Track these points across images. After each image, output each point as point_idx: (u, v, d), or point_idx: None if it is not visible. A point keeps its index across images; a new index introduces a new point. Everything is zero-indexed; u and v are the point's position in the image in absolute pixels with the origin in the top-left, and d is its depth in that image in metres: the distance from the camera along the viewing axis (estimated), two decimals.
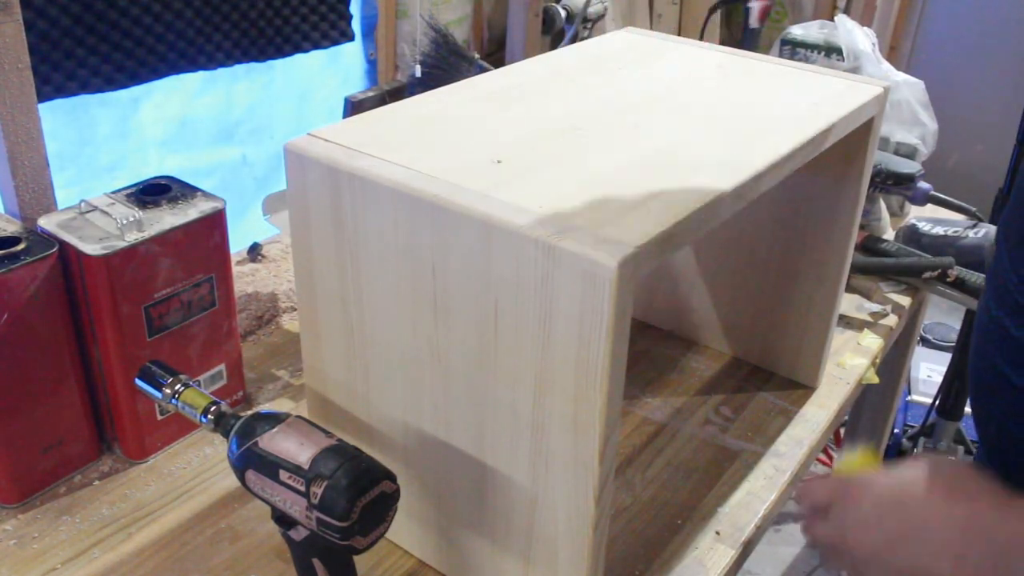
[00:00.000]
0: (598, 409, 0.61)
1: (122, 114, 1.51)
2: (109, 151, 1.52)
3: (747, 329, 1.12)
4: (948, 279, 1.23)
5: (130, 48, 1.39)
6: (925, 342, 2.40)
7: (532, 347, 0.63)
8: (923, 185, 1.36)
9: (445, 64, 1.58)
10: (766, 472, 0.96)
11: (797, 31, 1.59)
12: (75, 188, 1.45)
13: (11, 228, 0.86)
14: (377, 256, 0.70)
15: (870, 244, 1.29)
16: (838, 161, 0.96)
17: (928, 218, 1.38)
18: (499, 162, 0.69)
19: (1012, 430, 0.67)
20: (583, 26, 2.12)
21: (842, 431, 1.90)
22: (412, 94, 0.86)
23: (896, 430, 2.05)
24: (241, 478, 0.66)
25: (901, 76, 1.49)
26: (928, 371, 2.26)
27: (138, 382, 0.74)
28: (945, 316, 2.60)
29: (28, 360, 0.83)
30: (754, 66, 0.95)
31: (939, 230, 1.35)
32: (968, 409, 2.08)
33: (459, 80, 0.88)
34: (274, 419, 0.66)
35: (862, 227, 1.35)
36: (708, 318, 1.15)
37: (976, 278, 1.22)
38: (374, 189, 0.67)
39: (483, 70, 1.54)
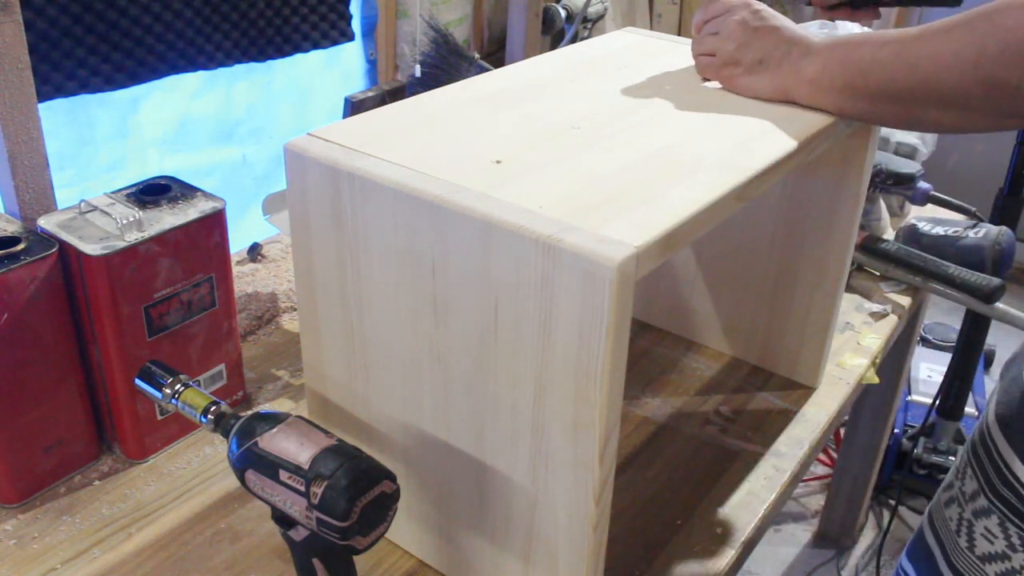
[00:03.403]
0: (598, 409, 0.61)
1: (122, 114, 1.51)
2: (109, 151, 1.52)
3: (747, 329, 1.12)
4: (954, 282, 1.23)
5: (130, 48, 1.39)
6: (925, 342, 2.40)
7: (532, 347, 0.63)
8: (923, 185, 1.36)
9: (445, 64, 1.58)
10: (766, 472, 0.96)
11: None
12: (75, 188, 1.44)
13: (11, 228, 0.86)
14: (377, 256, 0.70)
15: (870, 244, 1.30)
16: (838, 161, 0.96)
17: (928, 218, 1.38)
18: (499, 162, 0.69)
19: None
20: (583, 26, 2.12)
21: (842, 431, 1.90)
22: (412, 94, 0.86)
23: (896, 430, 2.05)
24: (241, 478, 0.66)
25: None
26: (928, 371, 2.26)
27: (138, 382, 0.74)
28: (945, 316, 2.60)
29: (28, 360, 0.83)
30: None
31: (939, 230, 1.35)
32: (968, 409, 2.08)
33: (459, 80, 0.88)
34: (274, 419, 0.66)
35: (862, 227, 1.35)
36: (708, 318, 1.15)
37: (976, 278, 1.22)
38: (374, 189, 0.67)
39: (483, 70, 1.54)
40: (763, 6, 0.87)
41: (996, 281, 1.20)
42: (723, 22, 0.88)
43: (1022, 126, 0.74)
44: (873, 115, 0.82)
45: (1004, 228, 1.34)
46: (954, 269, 1.23)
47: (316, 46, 1.71)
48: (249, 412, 0.68)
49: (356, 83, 1.92)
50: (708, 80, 0.90)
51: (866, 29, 1.36)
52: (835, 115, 0.82)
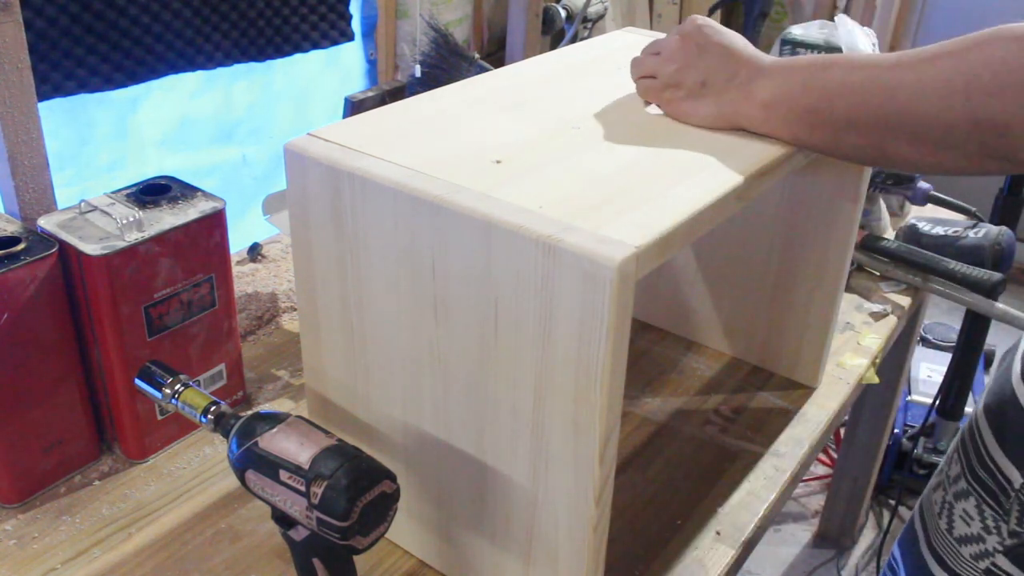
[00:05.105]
0: (598, 409, 0.61)
1: (121, 114, 1.51)
2: (108, 151, 1.52)
3: (747, 329, 1.12)
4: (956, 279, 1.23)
5: (129, 47, 1.39)
6: (925, 342, 2.40)
7: (532, 347, 0.63)
8: (923, 185, 1.36)
9: (445, 64, 1.58)
10: (766, 472, 0.96)
11: (797, 31, 1.59)
12: (75, 188, 1.44)
13: (11, 228, 0.86)
14: (377, 256, 0.70)
15: (870, 244, 1.30)
16: (838, 161, 0.95)
17: (928, 218, 1.38)
18: (499, 162, 0.69)
19: None
20: (583, 26, 2.12)
21: (842, 431, 1.90)
22: (412, 94, 0.86)
23: (896, 430, 2.05)
24: (241, 478, 0.66)
25: None
26: (928, 371, 2.26)
27: (138, 382, 0.74)
28: (945, 316, 2.60)
29: (28, 360, 0.83)
30: None
31: (939, 230, 1.35)
32: (968, 409, 2.08)
33: (459, 80, 0.88)
34: (274, 419, 0.66)
35: (862, 227, 1.35)
36: (708, 318, 1.15)
37: (978, 273, 1.22)
38: (374, 189, 0.67)
39: (483, 70, 1.54)
40: (710, 21, 0.79)
41: (997, 276, 1.20)
42: (666, 41, 0.81)
43: (1001, 171, 0.66)
44: (835, 147, 0.74)
45: (1004, 228, 1.34)
46: (955, 264, 1.23)
47: (316, 46, 1.71)
48: (249, 412, 0.68)
49: (356, 83, 1.92)
50: (649, 104, 0.82)
51: (868, 30, 1.36)
52: (789, 144, 0.74)
